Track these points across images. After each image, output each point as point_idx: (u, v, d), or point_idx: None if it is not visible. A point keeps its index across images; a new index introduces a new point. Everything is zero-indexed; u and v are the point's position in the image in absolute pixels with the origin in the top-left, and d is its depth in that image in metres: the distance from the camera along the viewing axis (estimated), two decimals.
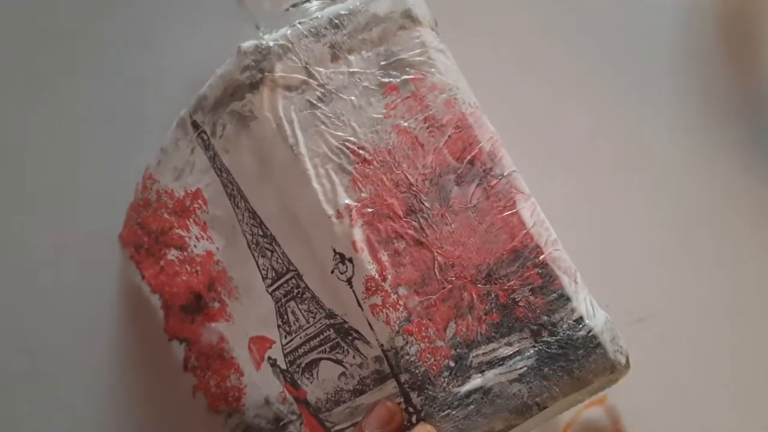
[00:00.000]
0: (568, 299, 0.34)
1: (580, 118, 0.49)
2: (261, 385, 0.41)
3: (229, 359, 0.42)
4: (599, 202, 0.48)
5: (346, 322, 0.35)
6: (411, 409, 0.33)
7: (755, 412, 0.45)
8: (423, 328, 0.33)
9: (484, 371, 0.33)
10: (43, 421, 0.46)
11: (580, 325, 0.34)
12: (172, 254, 0.42)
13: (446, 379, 0.33)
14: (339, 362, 0.36)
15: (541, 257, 0.35)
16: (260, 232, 0.37)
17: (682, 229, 0.48)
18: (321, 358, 0.37)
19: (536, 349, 0.34)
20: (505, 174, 0.36)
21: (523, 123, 0.46)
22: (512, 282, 0.34)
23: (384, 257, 0.34)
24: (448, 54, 0.38)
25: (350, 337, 0.35)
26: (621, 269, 0.46)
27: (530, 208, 0.36)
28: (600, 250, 0.45)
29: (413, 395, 0.33)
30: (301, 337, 0.37)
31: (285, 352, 0.38)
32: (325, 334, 0.36)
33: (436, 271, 0.34)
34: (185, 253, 0.42)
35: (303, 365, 0.38)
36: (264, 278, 0.38)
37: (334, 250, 0.34)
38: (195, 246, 0.41)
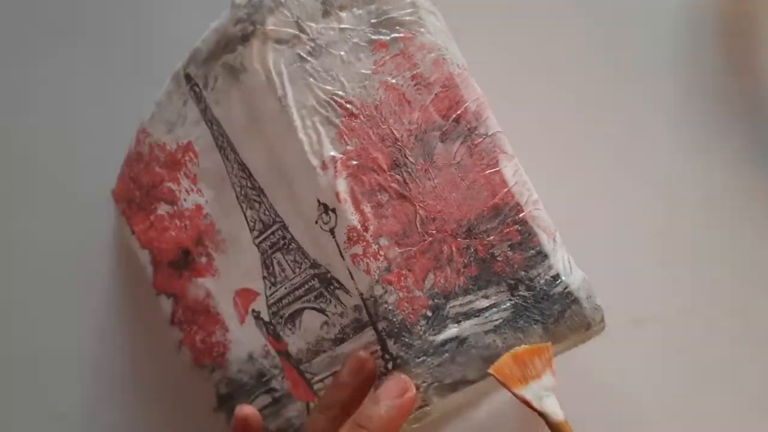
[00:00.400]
0: (546, 256, 0.35)
1: (580, 118, 0.48)
2: (245, 341, 0.41)
3: (214, 314, 0.42)
4: (598, 202, 0.47)
5: (329, 271, 0.36)
6: (387, 356, 0.34)
7: (755, 414, 0.45)
8: (402, 278, 0.34)
9: (460, 321, 0.34)
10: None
11: (557, 282, 0.35)
12: (163, 209, 0.43)
13: (423, 328, 0.34)
14: (322, 311, 0.36)
15: (521, 215, 0.35)
16: (249, 184, 0.38)
17: (682, 230, 0.47)
18: (305, 308, 0.37)
19: (512, 302, 0.34)
20: (490, 134, 0.37)
21: (522, 123, 0.45)
22: (492, 237, 0.35)
23: (367, 208, 0.34)
24: (440, 16, 0.38)
25: (332, 287, 0.36)
26: (621, 270, 0.45)
27: (513, 168, 0.36)
28: (600, 250, 0.44)
29: (390, 342, 0.34)
30: (286, 288, 0.38)
31: (269, 303, 0.39)
32: (309, 284, 0.37)
33: (417, 223, 0.35)
34: (175, 208, 0.42)
35: (286, 316, 0.38)
36: (251, 230, 0.39)
37: (319, 201, 0.35)
38: (185, 200, 0.42)
